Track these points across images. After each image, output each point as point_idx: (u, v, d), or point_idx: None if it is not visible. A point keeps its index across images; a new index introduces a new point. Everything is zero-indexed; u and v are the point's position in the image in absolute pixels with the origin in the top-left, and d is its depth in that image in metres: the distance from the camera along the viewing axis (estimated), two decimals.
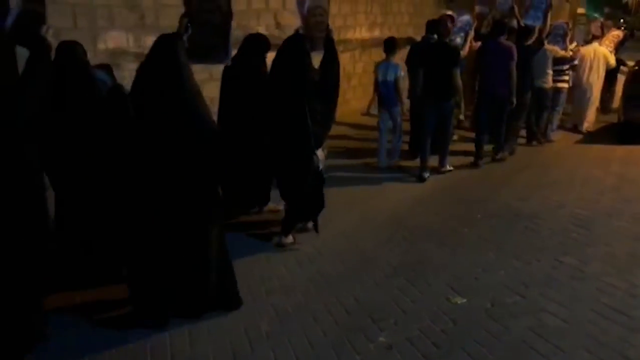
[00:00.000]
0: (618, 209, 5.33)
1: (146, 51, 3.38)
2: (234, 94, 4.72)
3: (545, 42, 7.85)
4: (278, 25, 8.21)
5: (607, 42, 9.51)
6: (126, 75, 6.64)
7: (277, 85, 4.29)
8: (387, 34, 11.08)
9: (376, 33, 10.72)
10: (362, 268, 4.15)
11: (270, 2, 8.07)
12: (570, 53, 8.46)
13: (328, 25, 4.82)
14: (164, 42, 3.21)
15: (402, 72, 6.57)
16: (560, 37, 8.30)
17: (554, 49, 8.01)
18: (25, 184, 2.96)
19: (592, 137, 8.95)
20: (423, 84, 6.38)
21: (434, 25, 7.04)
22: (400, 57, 7.23)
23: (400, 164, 6.89)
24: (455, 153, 7.12)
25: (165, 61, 3.17)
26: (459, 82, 6.40)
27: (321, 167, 4.47)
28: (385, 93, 6.60)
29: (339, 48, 9.93)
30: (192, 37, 3.37)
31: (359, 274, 4.05)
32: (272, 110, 4.35)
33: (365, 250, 4.45)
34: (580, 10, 38.32)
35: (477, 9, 8.86)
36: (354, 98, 10.14)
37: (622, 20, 58.00)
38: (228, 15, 3.31)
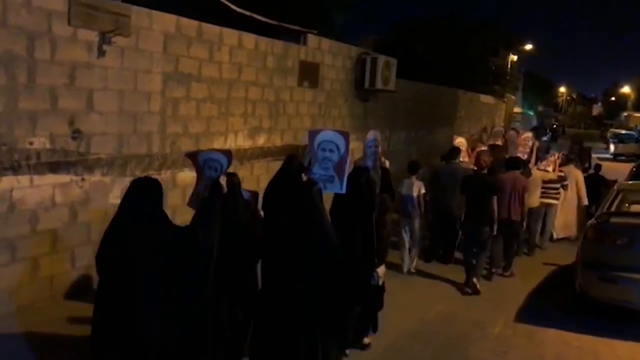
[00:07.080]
0: None
1: None
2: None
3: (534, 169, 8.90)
4: (77, 132, 5.24)
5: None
6: None
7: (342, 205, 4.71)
8: (278, 141, 8.38)
9: (261, 141, 7.98)
10: None
11: (61, 99, 5.07)
12: (561, 174, 9.26)
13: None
14: (291, 165, 4.38)
15: (423, 190, 7.36)
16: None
17: (544, 174, 8.92)
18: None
19: (545, 315, 6.30)
20: (466, 209, 7.13)
21: (455, 153, 8.32)
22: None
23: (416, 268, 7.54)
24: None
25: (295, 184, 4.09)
26: (495, 208, 6.99)
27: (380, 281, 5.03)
28: (407, 205, 7.33)
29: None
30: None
31: None
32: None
33: None
34: (517, 110, 38.23)
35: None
36: None
37: (554, 119, 60.36)
38: (345, 154, 3.92)
